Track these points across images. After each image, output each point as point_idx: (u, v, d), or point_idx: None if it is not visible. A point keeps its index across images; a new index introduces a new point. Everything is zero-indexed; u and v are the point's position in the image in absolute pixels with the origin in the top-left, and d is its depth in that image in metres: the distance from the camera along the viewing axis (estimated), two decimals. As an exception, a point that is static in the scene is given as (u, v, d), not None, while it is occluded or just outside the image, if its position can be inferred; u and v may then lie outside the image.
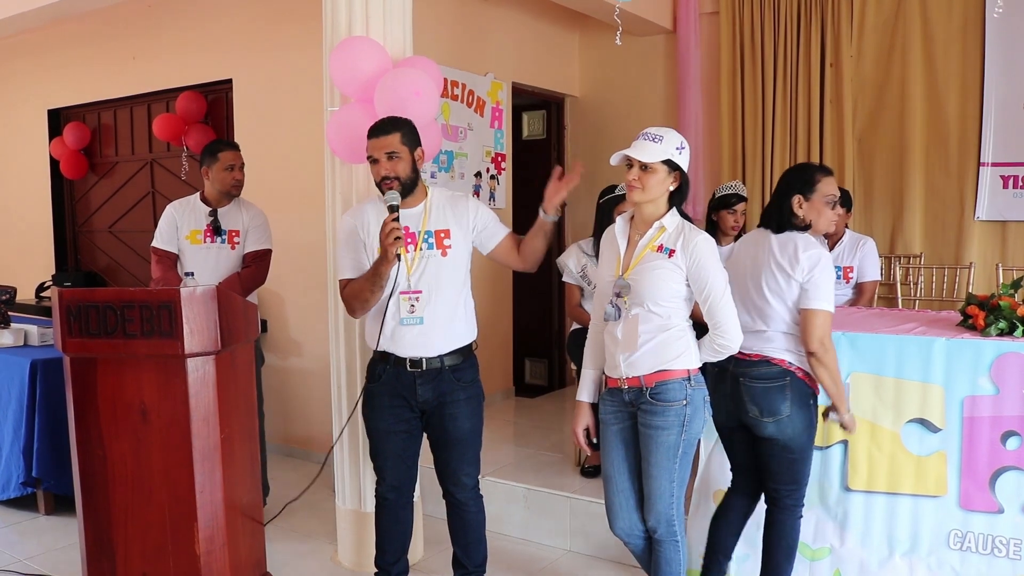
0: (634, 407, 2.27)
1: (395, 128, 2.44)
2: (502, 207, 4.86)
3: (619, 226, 2.34)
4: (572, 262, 3.54)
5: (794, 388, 2.34)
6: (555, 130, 5.54)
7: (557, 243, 5.55)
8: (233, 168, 3.36)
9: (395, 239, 2.29)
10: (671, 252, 2.20)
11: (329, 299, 3.06)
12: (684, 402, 2.20)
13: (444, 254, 2.48)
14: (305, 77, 4.18)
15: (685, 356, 2.22)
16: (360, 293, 2.43)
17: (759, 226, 2.47)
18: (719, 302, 2.18)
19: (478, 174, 4.68)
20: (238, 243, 3.37)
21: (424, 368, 2.47)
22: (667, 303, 2.20)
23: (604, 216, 3.40)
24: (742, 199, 3.65)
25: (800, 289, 2.31)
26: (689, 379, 2.22)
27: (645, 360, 2.22)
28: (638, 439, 2.28)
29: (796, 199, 2.36)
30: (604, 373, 2.36)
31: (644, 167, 2.20)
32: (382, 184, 2.42)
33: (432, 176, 4.39)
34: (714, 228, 3.75)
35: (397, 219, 2.32)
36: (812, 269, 2.29)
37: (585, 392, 2.41)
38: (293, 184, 4.37)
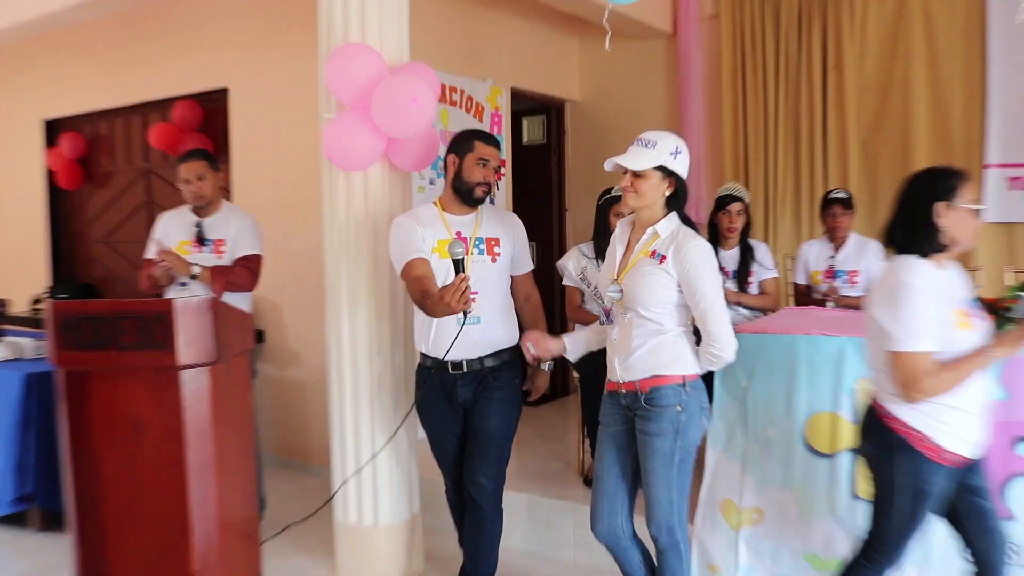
0: (631, 411, 2.28)
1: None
2: (502, 214, 4.86)
3: (620, 229, 2.36)
4: (572, 265, 3.54)
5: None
6: (555, 135, 5.54)
7: (558, 246, 5.54)
8: (190, 181, 3.35)
9: (465, 301, 2.24)
10: (662, 258, 2.20)
11: (327, 307, 3.05)
12: (678, 408, 2.20)
13: (493, 260, 2.63)
14: (301, 85, 4.18)
15: (680, 362, 2.22)
16: (418, 299, 2.46)
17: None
18: (710, 309, 2.17)
19: (477, 181, 4.68)
20: (224, 252, 3.37)
21: (465, 370, 2.60)
22: (658, 308, 2.21)
23: (603, 218, 3.41)
24: (735, 199, 3.66)
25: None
26: (684, 385, 2.22)
27: (639, 365, 2.23)
28: (633, 444, 2.30)
29: (939, 207, 1.96)
30: (607, 377, 2.37)
31: (637, 174, 2.20)
32: (476, 188, 2.61)
33: (431, 183, 4.38)
34: (716, 232, 3.75)
35: (466, 277, 2.26)
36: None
37: (569, 336, 2.46)
38: (290, 192, 4.36)
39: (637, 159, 2.19)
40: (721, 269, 3.68)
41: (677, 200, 2.25)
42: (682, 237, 2.20)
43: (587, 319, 3.45)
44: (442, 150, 4.33)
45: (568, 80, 5.47)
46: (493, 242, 2.65)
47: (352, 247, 2.95)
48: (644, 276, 2.21)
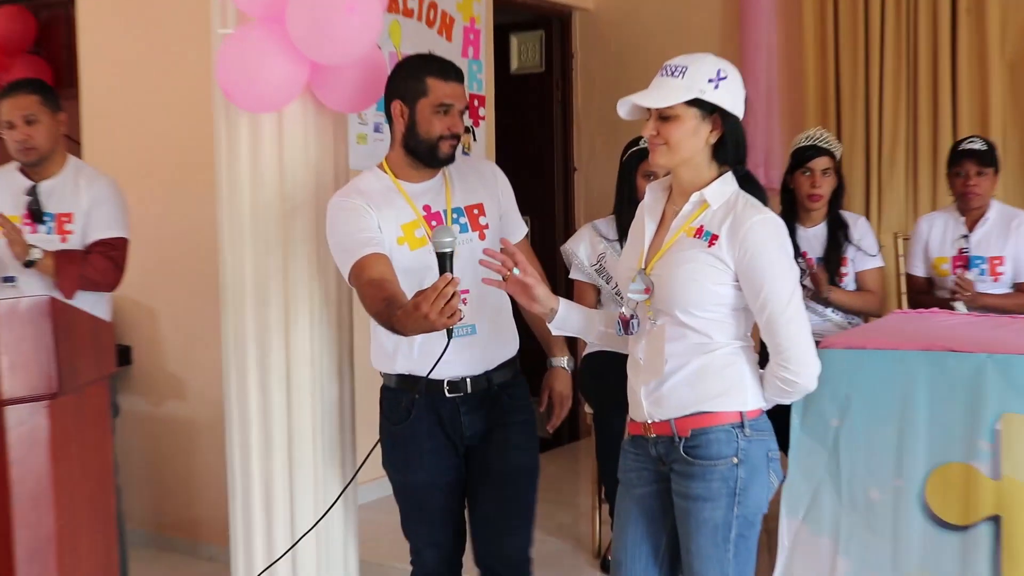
0: (665, 465, 2.29)
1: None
2: (481, 174, 4.85)
3: (651, 197, 2.36)
4: (583, 250, 3.54)
5: None
6: (558, 60, 5.55)
7: (563, 222, 5.54)
8: (15, 125, 3.33)
9: (451, 315, 2.17)
10: (713, 238, 2.20)
11: (225, 314, 3.04)
12: (734, 460, 2.22)
13: (482, 236, 2.68)
14: (183, -14, 4.17)
15: (737, 392, 2.24)
16: (380, 312, 2.46)
17: None
18: (781, 315, 2.18)
19: (445, 126, 4.67)
20: (72, 232, 3.37)
21: (469, 391, 2.66)
22: (706, 312, 2.22)
23: (628, 181, 3.42)
24: (821, 152, 3.69)
25: None
26: (743, 426, 2.23)
27: (676, 396, 2.24)
28: (668, 513, 2.31)
29: None
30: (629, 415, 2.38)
31: (663, 115, 2.20)
32: (441, 145, 2.62)
33: (376, 129, 4.37)
34: (792, 200, 3.76)
35: (451, 277, 2.20)
36: None
37: (568, 304, 2.43)
38: (167, 144, 4.35)
39: (662, 92, 2.20)
40: (800, 254, 3.69)
41: (728, 151, 2.25)
42: (742, 208, 2.21)
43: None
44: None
45: (578, -22, 5.48)
46: (476, 210, 2.71)
47: (261, 225, 2.94)
48: (685, 264, 2.22)
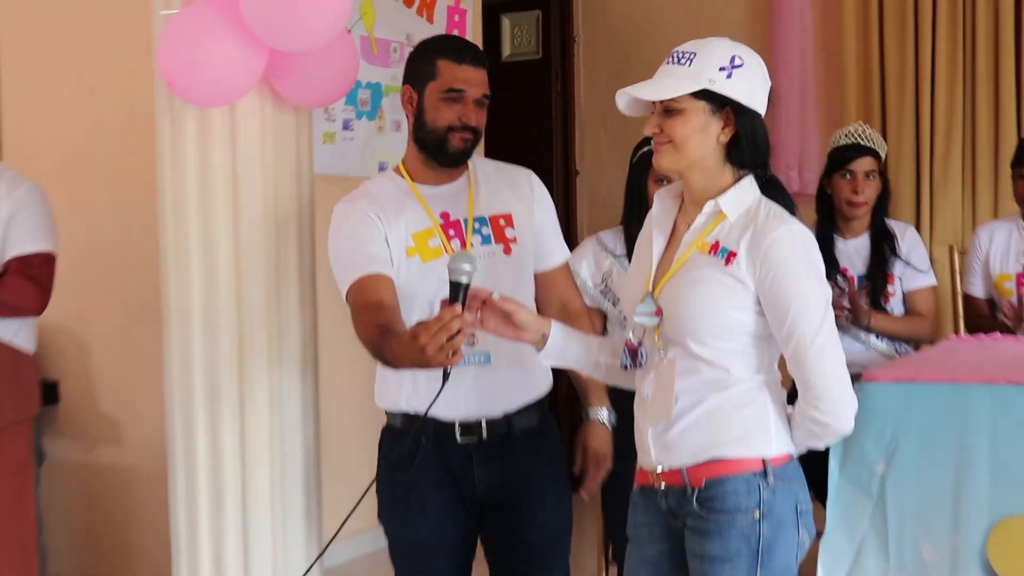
0: (677, 520, 2.30)
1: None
2: (468, 179, 4.86)
3: (659, 207, 2.37)
4: (586, 268, 3.53)
5: None
6: (557, 45, 5.56)
7: (564, 236, 5.53)
8: None
9: (452, 353, 2.16)
10: (730, 255, 2.21)
11: (167, 345, 3.04)
12: (755, 514, 2.21)
13: (507, 251, 2.71)
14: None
15: (759, 435, 2.25)
16: (372, 341, 2.47)
17: None
18: (811, 346, 2.18)
19: (425, 122, 4.68)
20: None
21: (484, 436, 2.64)
22: (722, 342, 2.22)
23: (637, 186, 3.42)
24: (865, 152, 3.69)
25: None
26: (766, 474, 2.24)
27: (688, 440, 2.24)
28: (684, 574, 2.31)
29: None
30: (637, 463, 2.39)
31: (668, 108, 2.22)
32: (450, 138, 2.64)
33: (345, 127, 4.37)
34: (830, 208, 3.76)
35: (461, 310, 2.20)
36: None
37: (561, 328, 2.39)
38: (100, 144, 4.35)
39: (661, 84, 2.23)
40: (837, 271, 3.69)
41: (743, 151, 2.25)
42: (763, 219, 2.21)
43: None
44: (366, 72, 4.35)
45: (579, -49, 5.51)
46: (503, 220, 2.74)
47: (211, 240, 2.94)
48: (697, 286, 2.22)
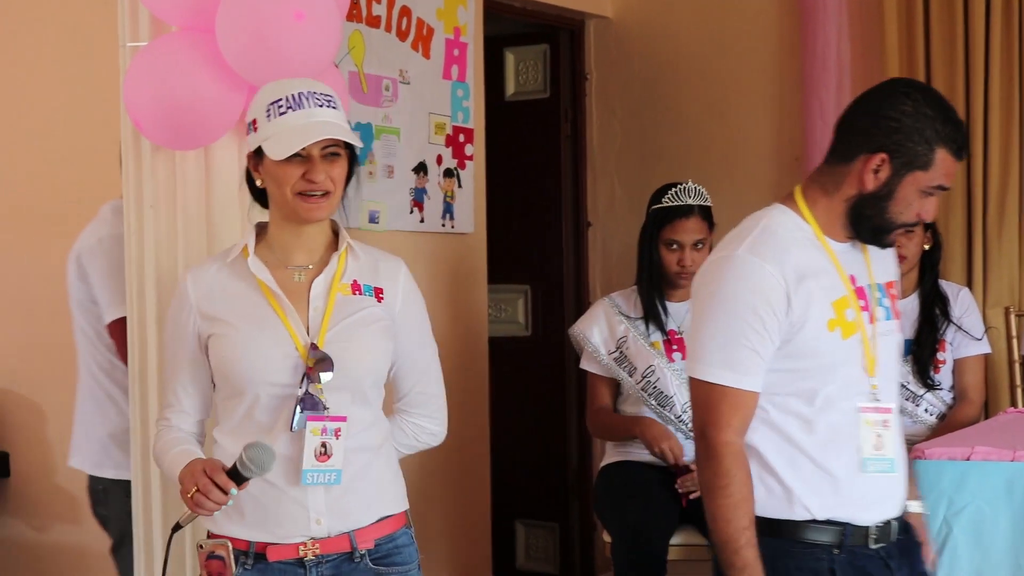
0: None
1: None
2: (468, 230, 4.86)
3: None
4: (598, 334, 3.54)
5: None
6: (567, 82, 5.58)
7: (573, 293, 5.54)
8: None
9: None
10: None
11: (131, 412, 3.03)
12: None
13: (899, 328, 2.53)
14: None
15: None
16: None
17: None
18: None
19: (420, 167, 4.67)
20: None
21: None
22: None
23: (648, 245, 3.44)
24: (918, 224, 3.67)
25: None
26: None
27: None
28: None
29: None
30: None
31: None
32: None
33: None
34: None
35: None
36: None
37: None
38: (59, 189, 4.38)
39: None
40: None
41: None
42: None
43: (622, 432, 3.51)
44: (356, 111, 4.36)
45: (592, -20, 5.56)
46: (894, 289, 2.56)
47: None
48: None
